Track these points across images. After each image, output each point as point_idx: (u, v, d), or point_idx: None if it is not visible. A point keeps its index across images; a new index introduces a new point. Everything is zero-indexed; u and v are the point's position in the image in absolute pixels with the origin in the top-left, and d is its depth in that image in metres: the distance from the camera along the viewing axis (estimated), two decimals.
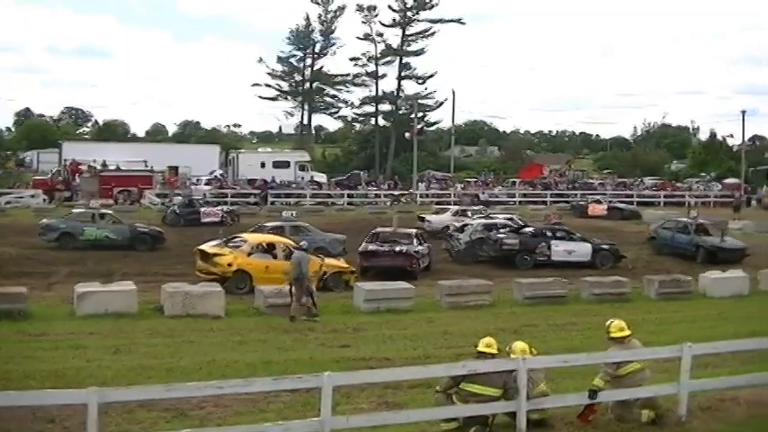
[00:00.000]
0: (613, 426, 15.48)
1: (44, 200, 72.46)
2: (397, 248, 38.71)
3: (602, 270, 40.40)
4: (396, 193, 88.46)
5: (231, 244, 34.89)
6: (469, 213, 56.35)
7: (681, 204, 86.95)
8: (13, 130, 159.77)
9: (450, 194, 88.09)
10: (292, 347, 23.06)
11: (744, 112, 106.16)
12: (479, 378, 14.53)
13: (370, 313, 28.44)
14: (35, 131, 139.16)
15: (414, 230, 41.68)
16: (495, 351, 15.04)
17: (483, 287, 31.32)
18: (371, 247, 38.91)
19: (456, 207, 60.18)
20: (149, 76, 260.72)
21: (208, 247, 34.81)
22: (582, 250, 42.92)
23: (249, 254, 33.75)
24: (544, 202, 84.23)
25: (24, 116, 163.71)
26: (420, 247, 39.23)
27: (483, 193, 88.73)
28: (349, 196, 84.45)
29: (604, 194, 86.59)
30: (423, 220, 56.04)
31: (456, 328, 25.96)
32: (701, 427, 15.72)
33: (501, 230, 45.34)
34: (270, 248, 34.56)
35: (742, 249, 47.23)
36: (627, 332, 15.74)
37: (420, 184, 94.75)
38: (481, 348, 14.99)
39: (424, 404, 15.71)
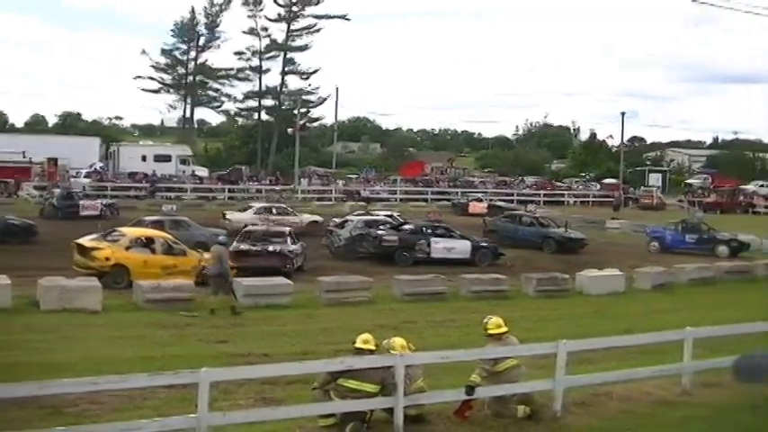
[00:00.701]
0: (490, 421, 15.64)
1: None
2: (271, 248, 37.85)
3: (481, 267, 40.65)
4: (277, 188, 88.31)
5: (109, 238, 34.42)
6: (274, 210, 55.45)
7: (560, 203, 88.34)
8: None
9: (331, 190, 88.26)
10: (171, 343, 22.87)
11: (623, 114, 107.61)
12: (357, 374, 14.56)
13: (250, 309, 28.31)
14: None
15: (288, 229, 41.25)
16: (372, 347, 15.09)
17: (362, 283, 31.39)
18: (243, 246, 37.78)
19: (260, 205, 58.45)
20: (28, 66, 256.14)
21: (85, 240, 34.26)
22: (461, 248, 43.20)
23: (127, 248, 33.31)
24: (425, 200, 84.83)
25: None
26: (294, 246, 38.37)
27: (365, 189, 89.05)
28: (230, 191, 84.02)
29: (485, 193, 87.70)
30: (224, 217, 54.57)
31: (335, 325, 26.00)
32: (575, 422, 15.98)
33: (381, 227, 45.41)
34: (148, 243, 34.17)
35: (583, 239, 51.57)
36: (504, 329, 15.93)
37: (302, 179, 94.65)
38: (359, 345, 15.04)
39: (303, 400, 15.68)
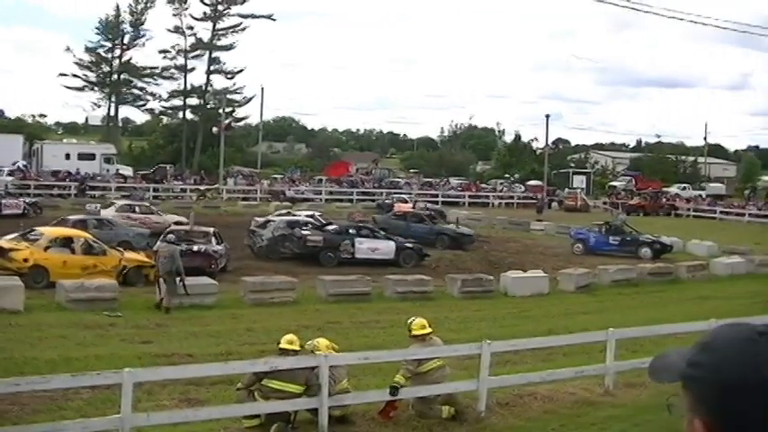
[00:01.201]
0: (414, 422, 15.73)
1: None
2: (195, 248, 37.31)
3: (405, 268, 40.75)
4: (202, 188, 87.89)
5: (28, 237, 34.04)
6: (137, 209, 54.00)
7: (485, 205, 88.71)
8: None
9: (257, 190, 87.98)
10: (93, 343, 22.67)
11: (548, 116, 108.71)
12: (282, 375, 14.59)
13: (173, 309, 28.17)
14: None
15: (212, 229, 40.94)
16: (297, 348, 15.12)
17: (287, 284, 31.33)
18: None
19: (123, 202, 57.22)
20: None
21: (3, 241, 33.83)
22: (386, 248, 43.22)
23: (46, 248, 32.89)
24: (350, 200, 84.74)
25: None
26: (218, 247, 38.01)
27: (289, 189, 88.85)
28: (155, 190, 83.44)
29: (410, 194, 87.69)
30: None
31: (260, 325, 25.96)
32: (499, 423, 16.11)
33: (304, 227, 45.32)
34: (68, 242, 33.80)
35: (472, 236, 53.27)
36: (428, 330, 16.02)
37: (227, 179, 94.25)
38: (283, 345, 15.06)
39: (227, 401, 15.70)
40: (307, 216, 51.19)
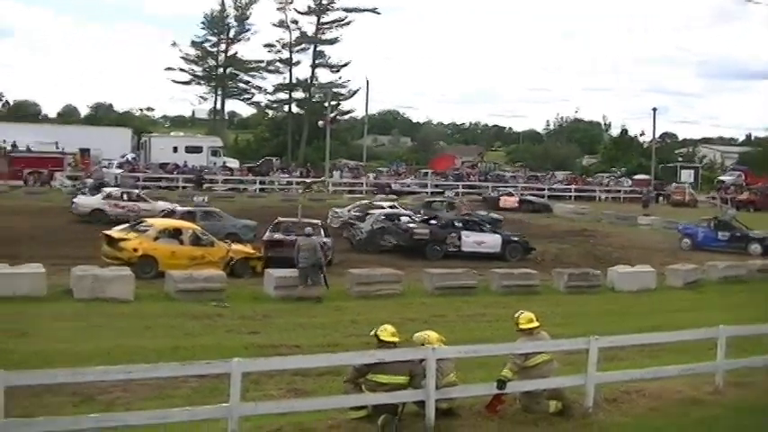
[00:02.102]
0: (521, 416, 15.61)
1: None
2: None
3: (511, 262, 40.54)
4: (307, 180, 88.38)
5: (138, 228, 34.54)
6: (125, 196, 52.66)
7: (591, 199, 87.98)
8: None
9: (362, 183, 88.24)
10: (201, 333, 22.94)
11: (655, 110, 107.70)
12: (387, 367, 14.55)
13: (280, 300, 28.38)
14: None
15: (319, 221, 41.09)
16: (397, 339, 15.07)
17: (393, 277, 31.32)
18: (277, 236, 37.53)
19: (110, 189, 55.32)
20: (62, 57, 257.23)
21: (114, 231, 34.39)
22: (492, 242, 43.05)
23: (155, 239, 33.34)
24: (456, 194, 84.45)
25: None
26: (327, 239, 37.87)
27: (395, 182, 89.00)
28: (261, 183, 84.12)
29: (516, 187, 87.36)
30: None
31: (365, 317, 25.87)
32: (606, 419, 15.92)
33: (403, 219, 45.34)
34: (176, 234, 34.24)
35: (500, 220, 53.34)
36: (536, 324, 15.88)
37: (333, 172, 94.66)
38: (386, 338, 15.00)
39: (333, 392, 15.73)
40: (389, 207, 51.20)
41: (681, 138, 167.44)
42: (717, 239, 51.83)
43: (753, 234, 52.34)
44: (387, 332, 15.06)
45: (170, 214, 42.37)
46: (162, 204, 50.56)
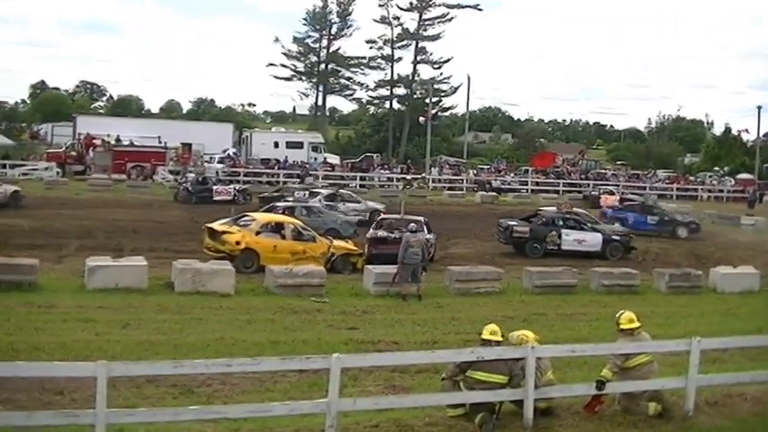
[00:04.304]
0: (620, 417, 15.47)
1: (57, 173, 72.59)
2: None
3: (611, 261, 40.20)
4: (408, 177, 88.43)
5: (240, 222, 34.85)
6: None
7: (693, 198, 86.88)
8: (28, 102, 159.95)
9: (462, 180, 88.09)
10: (300, 328, 23.06)
11: (759, 108, 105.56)
12: (485, 365, 14.53)
13: (379, 296, 28.43)
14: (50, 104, 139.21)
15: (422, 218, 41.02)
16: (499, 338, 15.03)
17: (493, 274, 31.21)
18: (381, 233, 37.46)
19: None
20: (164, 52, 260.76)
21: (216, 224, 34.70)
22: (592, 240, 42.71)
23: (257, 233, 33.62)
24: (556, 192, 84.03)
25: (39, 89, 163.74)
26: (430, 236, 37.67)
27: (496, 179, 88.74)
28: (361, 179, 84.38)
29: (617, 186, 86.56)
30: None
31: (464, 315, 25.95)
32: (707, 422, 15.71)
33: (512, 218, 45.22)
34: (278, 228, 34.45)
35: None
36: (636, 324, 15.71)
37: (433, 169, 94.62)
38: (486, 336, 14.97)
39: (431, 389, 15.73)
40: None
41: None
42: (646, 223, 53.19)
43: (680, 218, 55.15)
44: (487, 330, 15.03)
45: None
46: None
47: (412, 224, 33.51)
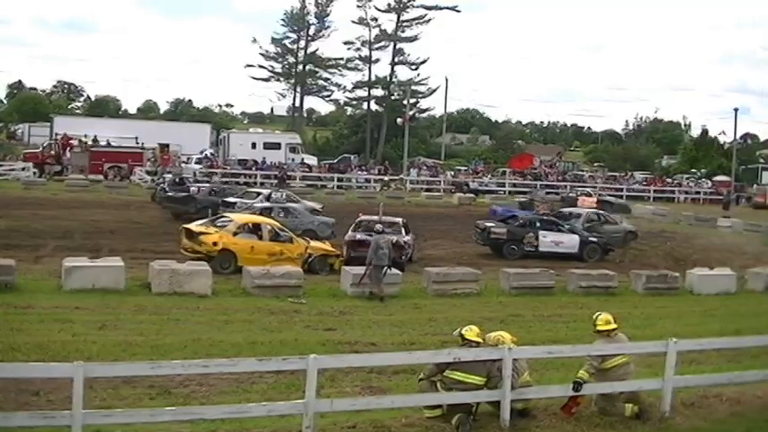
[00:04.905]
0: (597, 419, 15.52)
1: (34, 173, 72.45)
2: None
3: (589, 263, 40.25)
4: (386, 178, 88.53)
5: (217, 223, 34.82)
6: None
7: (671, 200, 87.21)
8: (5, 102, 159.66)
9: (440, 182, 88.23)
10: (278, 329, 23.03)
11: (736, 110, 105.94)
12: (463, 366, 14.55)
13: (357, 297, 28.42)
14: (27, 104, 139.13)
15: (400, 219, 41.00)
16: (479, 339, 15.05)
17: (470, 275, 31.23)
18: (359, 236, 36.82)
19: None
20: (141, 53, 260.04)
21: (193, 225, 34.67)
22: (570, 242, 42.79)
23: (235, 233, 33.60)
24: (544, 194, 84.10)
25: (16, 89, 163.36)
26: (407, 237, 38.06)
27: (473, 181, 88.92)
28: (339, 180, 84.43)
29: (594, 187, 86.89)
30: None
31: (442, 316, 25.94)
32: (683, 423, 15.77)
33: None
34: (255, 229, 34.45)
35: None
36: (613, 325, 15.77)
37: (411, 170, 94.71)
38: (468, 336, 14.98)
39: (408, 390, 15.77)
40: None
41: (763, 139, 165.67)
42: None
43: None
44: (472, 332, 15.05)
45: None
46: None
47: (378, 225, 33.57)
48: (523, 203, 57.74)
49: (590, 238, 43.73)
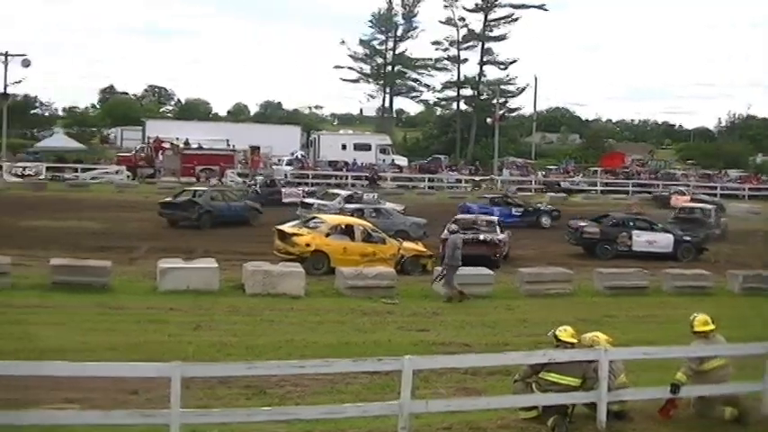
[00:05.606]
0: (694, 422, 15.29)
1: (127, 176, 73.47)
2: (481, 237, 37.90)
3: (683, 262, 39.74)
4: (476, 178, 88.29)
5: (310, 224, 34.96)
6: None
7: (766, 198, 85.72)
8: (97, 106, 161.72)
9: (531, 181, 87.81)
10: (371, 330, 23.09)
11: None
12: (558, 367, 14.43)
13: (450, 298, 28.35)
14: (119, 109, 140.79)
15: (496, 218, 41.03)
16: (575, 340, 14.92)
17: (563, 275, 31.08)
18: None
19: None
20: (232, 56, 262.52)
21: (286, 227, 34.90)
22: (664, 241, 42.32)
23: (327, 235, 33.78)
24: (626, 192, 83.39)
25: (108, 93, 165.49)
26: (502, 236, 38.45)
27: (564, 180, 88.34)
28: (429, 180, 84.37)
29: (687, 185, 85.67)
30: None
31: (535, 316, 25.79)
32: None
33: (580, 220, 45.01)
34: (348, 230, 34.60)
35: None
36: (711, 327, 15.51)
37: (502, 170, 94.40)
38: (563, 337, 14.86)
39: (502, 391, 15.65)
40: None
41: None
42: (512, 215, 53.25)
43: (542, 207, 56.46)
44: (567, 333, 14.91)
45: None
46: None
47: (453, 225, 33.56)
48: (495, 200, 56.87)
49: (684, 238, 43.17)
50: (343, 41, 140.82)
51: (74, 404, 14.07)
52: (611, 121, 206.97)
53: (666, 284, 32.02)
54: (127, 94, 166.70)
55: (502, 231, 38.81)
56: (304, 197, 54.74)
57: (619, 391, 14.80)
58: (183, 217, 45.97)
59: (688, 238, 43.22)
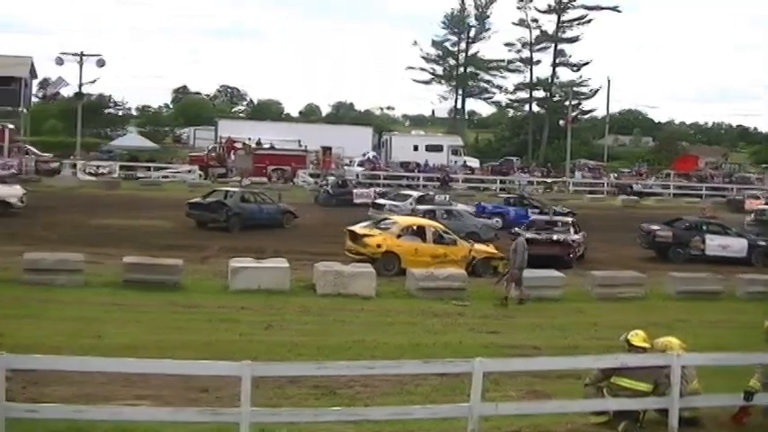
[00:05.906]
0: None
1: (199, 176, 73.91)
2: (555, 237, 38.07)
3: (757, 267, 39.27)
4: (548, 180, 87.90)
5: (381, 225, 35.00)
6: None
7: None
8: (170, 106, 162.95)
9: (603, 184, 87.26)
10: (441, 331, 23.09)
11: None
12: (630, 372, 14.33)
13: (520, 301, 28.25)
14: (191, 108, 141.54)
15: (570, 219, 40.95)
16: (647, 345, 14.79)
17: (635, 279, 30.89)
18: (529, 234, 37.02)
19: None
20: (304, 57, 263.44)
21: (358, 227, 34.96)
22: (737, 246, 41.84)
23: (398, 236, 33.78)
24: (699, 196, 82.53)
25: (182, 93, 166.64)
26: (576, 236, 38.50)
27: (637, 183, 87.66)
28: (501, 182, 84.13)
29: (762, 189, 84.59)
30: None
31: (605, 320, 25.63)
32: None
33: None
34: (419, 231, 34.55)
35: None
36: None
37: (574, 172, 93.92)
38: (635, 342, 14.73)
39: (572, 395, 15.54)
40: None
41: None
42: (527, 217, 50.57)
43: (558, 209, 53.97)
44: (639, 337, 14.80)
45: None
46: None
47: (516, 228, 33.51)
48: (511, 200, 56.54)
49: (758, 242, 42.66)
50: (415, 42, 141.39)
51: (144, 401, 14.22)
52: (684, 123, 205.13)
53: (740, 290, 31.66)
54: (200, 94, 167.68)
55: (577, 232, 38.64)
56: (375, 198, 54.98)
57: (691, 397, 14.66)
58: (212, 219, 44.43)
59: (763, 243, 42.68)
